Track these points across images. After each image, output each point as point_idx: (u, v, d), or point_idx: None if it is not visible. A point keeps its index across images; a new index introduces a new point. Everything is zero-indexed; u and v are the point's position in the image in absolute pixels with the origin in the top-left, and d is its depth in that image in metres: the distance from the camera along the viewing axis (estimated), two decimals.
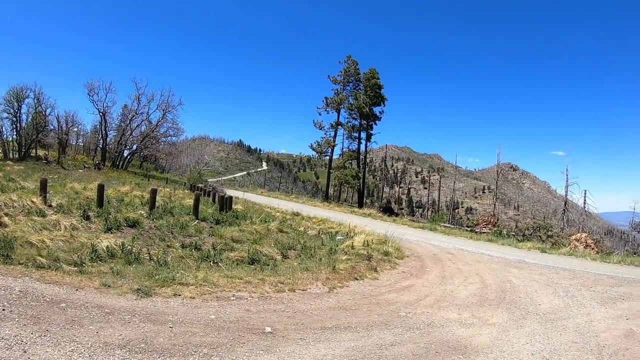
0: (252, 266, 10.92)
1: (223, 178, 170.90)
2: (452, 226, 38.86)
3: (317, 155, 55.37)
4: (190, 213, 17.63)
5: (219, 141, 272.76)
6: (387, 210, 47.98)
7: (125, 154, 60.10)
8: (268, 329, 6.62)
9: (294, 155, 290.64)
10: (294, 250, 14.07)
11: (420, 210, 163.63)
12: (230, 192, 40.45)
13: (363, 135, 55.14)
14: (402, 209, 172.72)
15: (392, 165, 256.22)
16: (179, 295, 7.76)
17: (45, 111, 53.04)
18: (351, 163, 54.30)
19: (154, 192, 18.00)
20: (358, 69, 54.83)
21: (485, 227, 37.05)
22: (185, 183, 50.28)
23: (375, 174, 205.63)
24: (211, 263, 10.45)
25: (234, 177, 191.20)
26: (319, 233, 18.84)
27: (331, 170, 55.23)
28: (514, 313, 9.19)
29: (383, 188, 61.65)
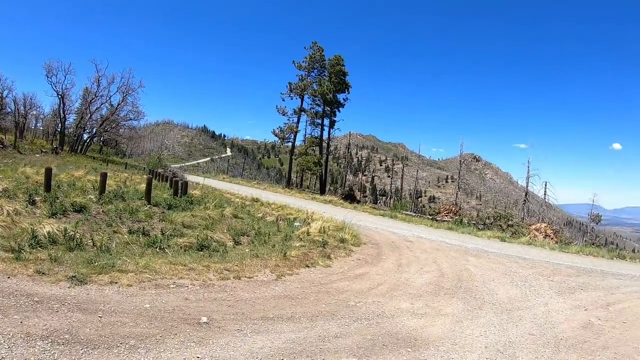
0: (201, 252, 10.57)
1: (186, 164, 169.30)
2: (414, 214, 39.10)
3: (279, 142, 54.63)
4: (143, 198, 17.17)
5: (182, 126, 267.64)
6: (349, 198, 48.04)
7: (84, 138, 58.48)
8: (204, 319, 6.32)
9: (259, 142, 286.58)
10: (247, 236, 13.79)
11: (384, 198, 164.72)
12: (191, 178, 40.28)
13: (326, 122, 55.01)
14: (366, 196, 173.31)
15: (357, 154, 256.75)
16: (116, 282, 7.38)
17: (2, 93, 51.37)
18: (314, 149, 54.16)
19: (104, 176, 17.41)
20: (323, 55, 54.39)
21: (446, 216, 37.31)
22: (145, 168, 49.21)
23: (340, 161, 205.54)
24: (157, 249, 10.09)
25: (197, 163, 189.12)
26: (277, 219, 18.48)
27: (294, 157, 54.76)
28: (470, 303, 9.13)
29: (346, 175, 61.70)
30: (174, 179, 26.70)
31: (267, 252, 11.52)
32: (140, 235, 11.12)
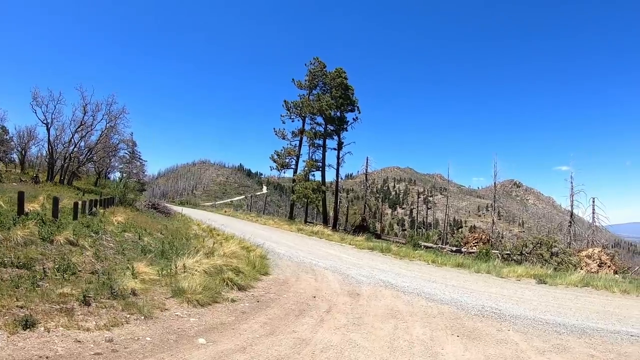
0: None
1: (219, 202, 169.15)
2: (434, 246, 31.49)
3: (276, 167, 46.85)
4: None
5: (219, 165, 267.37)
6: (360, 229, 40.20)
7: (70, 168, 53.73)
8: None
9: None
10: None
11: (422, 230, 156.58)
12: (177, 208, 40.10)
13: (330, 143, 47.32)
14: (405, 229, 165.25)
15: (395, 187, 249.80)
16: None
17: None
18: (313, 175, 46.52)
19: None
20: (326, 71, 46.70)
21: (475, 246, 29.70)
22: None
23: (378, 195, 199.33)
24: None
25: (230, 201, 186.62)
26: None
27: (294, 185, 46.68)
28: None
29: (365, 206, 53.65)
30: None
31: None
32: None
